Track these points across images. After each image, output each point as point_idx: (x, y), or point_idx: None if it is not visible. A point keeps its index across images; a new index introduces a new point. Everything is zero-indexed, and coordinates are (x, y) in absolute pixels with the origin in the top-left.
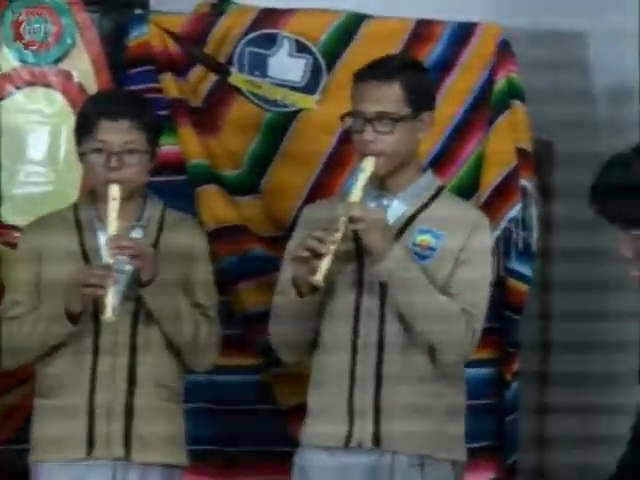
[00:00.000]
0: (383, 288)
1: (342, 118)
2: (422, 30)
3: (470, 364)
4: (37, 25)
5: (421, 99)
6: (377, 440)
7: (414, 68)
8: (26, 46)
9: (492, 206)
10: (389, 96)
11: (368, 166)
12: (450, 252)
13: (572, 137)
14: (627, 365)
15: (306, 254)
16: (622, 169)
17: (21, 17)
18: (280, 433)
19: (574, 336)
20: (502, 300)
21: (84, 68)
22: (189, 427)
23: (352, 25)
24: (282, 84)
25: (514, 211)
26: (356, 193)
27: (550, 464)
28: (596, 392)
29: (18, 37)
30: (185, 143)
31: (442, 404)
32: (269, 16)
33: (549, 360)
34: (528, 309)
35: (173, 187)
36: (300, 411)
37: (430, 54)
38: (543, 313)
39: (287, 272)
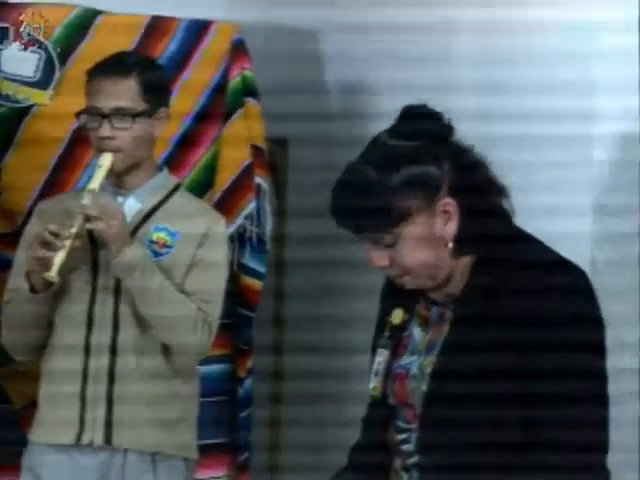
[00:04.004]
0: (118, 284)
1: (77, 115)
2: (156, 26)
3: (204, 361)
4: None
5: (157, 95)
6: (109, 438)
7: (149, 65)
8: None
9: (227, 203)
10: (125, 92)
11: (105, 162)
12: (186, 250)
13: (307, 133)
14: (361, 354)
15: (40, 249)
16: (355, 180)
17: None
18: (14, 432)
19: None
20: (236, 297)
21: None
22: None
23: (85, 20)
24: (14, 79)
25: (249, 208)
26: (92, 189)
27: (283, 459)
28: (330, 382)
29: None
30: None
31: (175, 401)
32: (0, 9)
33: (282, 354)
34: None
35: None
36: (34, 410)
37: (164, 50)
38: (276, 312)
39: (19, 267)
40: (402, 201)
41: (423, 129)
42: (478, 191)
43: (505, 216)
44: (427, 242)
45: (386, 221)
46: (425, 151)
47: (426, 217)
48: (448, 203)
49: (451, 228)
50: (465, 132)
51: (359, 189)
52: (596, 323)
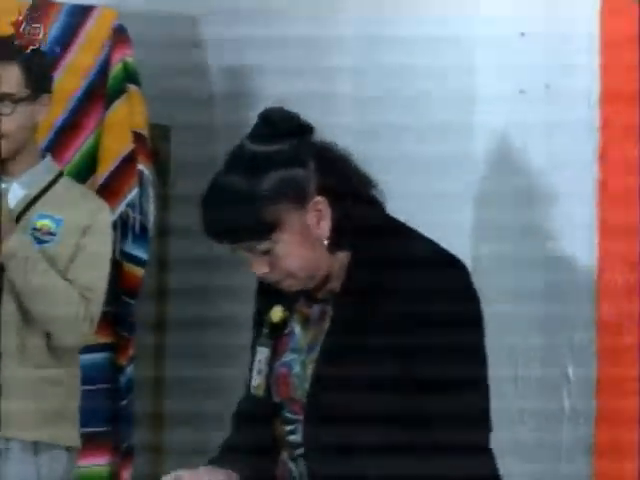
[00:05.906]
0: (1, 272)
1: None
2: (37, 11)
3: (85, 349)
4: None
5: (40, 81)
6: None
7: (32, 50)
8: None
9: (109, 190)
10: (8, 77)
11: None
12: (69, 237)
13: (189, 119)
14: (242, 340)
15: None
16: (222, 192)
17: None
18: None
19: (190, 316)
20: (118, 284)
21: None
22: None
23: None
24: None
25: (131, 195)
26: None
27: (166, 446)
28: (211, 369)
29: None
30: None
31: (57, 389)
32: None
33: (164, 340)
34: (143, 292)
35: None
36: None
37: (46, 35)
38: (159, 296)
39: None
40: (272, 208)
41: (283, 131)
42: (346, 185)
43: (376, 207)
44: (303, 244)
45: (259, 230)
46: (289, 153)
47: (298, 219)
48: (318, 202)
49: (325, 226)
50: (345, 120)
51: (227, 200)
52: (474, 321)
